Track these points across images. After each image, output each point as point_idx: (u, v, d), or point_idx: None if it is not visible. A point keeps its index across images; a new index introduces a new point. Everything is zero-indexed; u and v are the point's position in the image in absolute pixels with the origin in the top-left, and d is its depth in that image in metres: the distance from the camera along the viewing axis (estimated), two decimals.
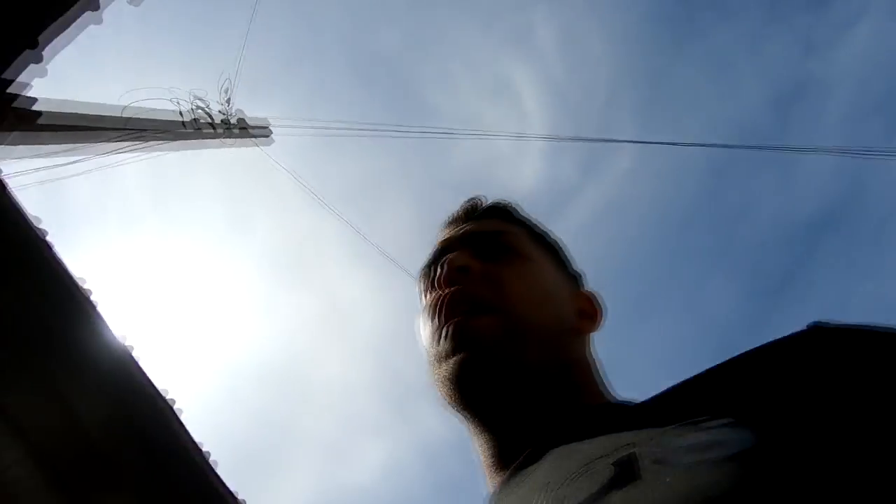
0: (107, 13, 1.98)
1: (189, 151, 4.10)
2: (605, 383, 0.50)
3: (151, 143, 3.30)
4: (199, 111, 3.80)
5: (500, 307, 0.46)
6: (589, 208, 13.13)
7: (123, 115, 2.97)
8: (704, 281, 14.29)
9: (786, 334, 0.31)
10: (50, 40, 1.87)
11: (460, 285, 0.47)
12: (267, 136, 4.65)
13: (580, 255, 0.60)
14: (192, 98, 3.74)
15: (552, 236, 0.59)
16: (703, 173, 14.63)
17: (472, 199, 0.60)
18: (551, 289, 0.52)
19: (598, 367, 0.51)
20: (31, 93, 2.22)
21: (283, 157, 5.18)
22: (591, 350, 0.53)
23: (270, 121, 4.74)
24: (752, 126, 12.74)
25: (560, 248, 0.59)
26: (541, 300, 0.49)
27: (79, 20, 1.92)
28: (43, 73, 2.03)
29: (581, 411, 0.44)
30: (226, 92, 4.15)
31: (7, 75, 1.94)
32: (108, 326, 1.70)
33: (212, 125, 3.92)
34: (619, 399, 0.47)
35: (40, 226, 1.68)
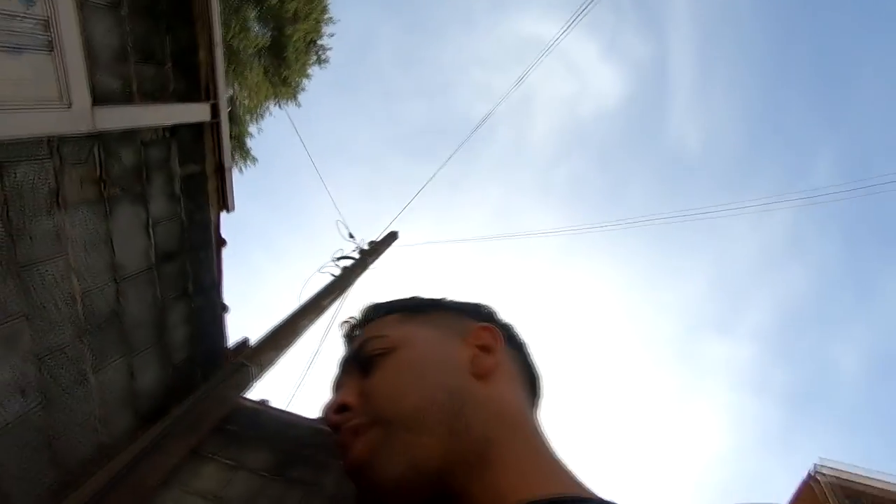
0: None
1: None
2: (544, 444, 0.46)
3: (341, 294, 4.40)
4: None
5: (375, 420, 0.45)
6: None
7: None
8: None
9: None
10: None
11: (342, 422, 0.47)
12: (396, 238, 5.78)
13: None
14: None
15: (427, 298, 0.58)
16: None
17: (344, 321, 0.60)
18: (423, 363, 0.49)
19: (532, 415, 0.49)
20: None
21: None
22: (517, 388, 0.50)
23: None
24: None
25: (438, 302, 0.58)
26: (411, 385, 0.46)
27: None
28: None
29: None
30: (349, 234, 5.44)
31: None
32: None
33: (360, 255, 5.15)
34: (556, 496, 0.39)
35: None
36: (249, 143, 12.50)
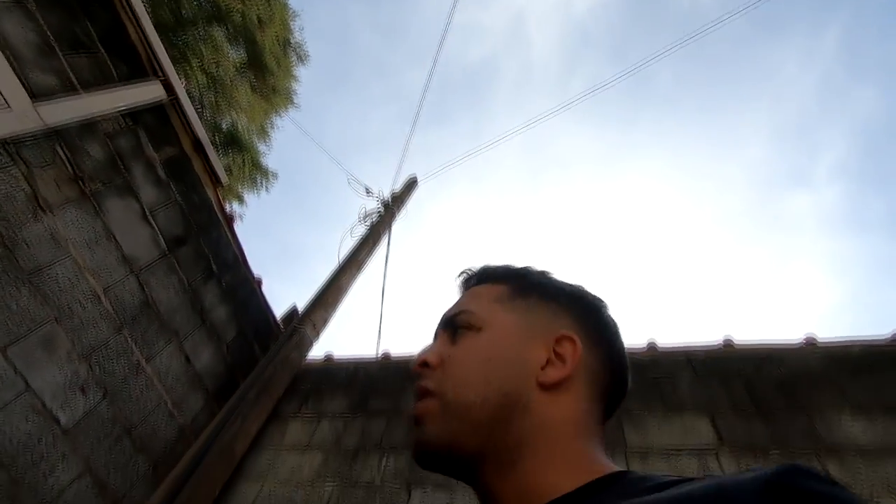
0: None
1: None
2: (590, 444, 0.47)
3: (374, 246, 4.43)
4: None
5: (438, 392, 0.50)
6: None
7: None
8: None
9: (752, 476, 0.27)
10: None
11: (421, 378, 0.53)
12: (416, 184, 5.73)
13: None
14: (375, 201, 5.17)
15: (535, 278, 0.58)
16: None
17: (461, 272, 0.64)
18: (493, 354, 0.51)
19: (576, 427, 0.48)
20: None
21: None
22: (567, 404, 0.49)
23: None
24: None
25: (543, 286, 0.57)
26: (473, 374, 0.50)
27: None
28: None
29: None
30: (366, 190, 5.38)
31: None
32: None
33: (382, 208, 5.09)
34: (597, 477, 0.42)
35: None
36: (265, 161, 12.75)
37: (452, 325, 0.55)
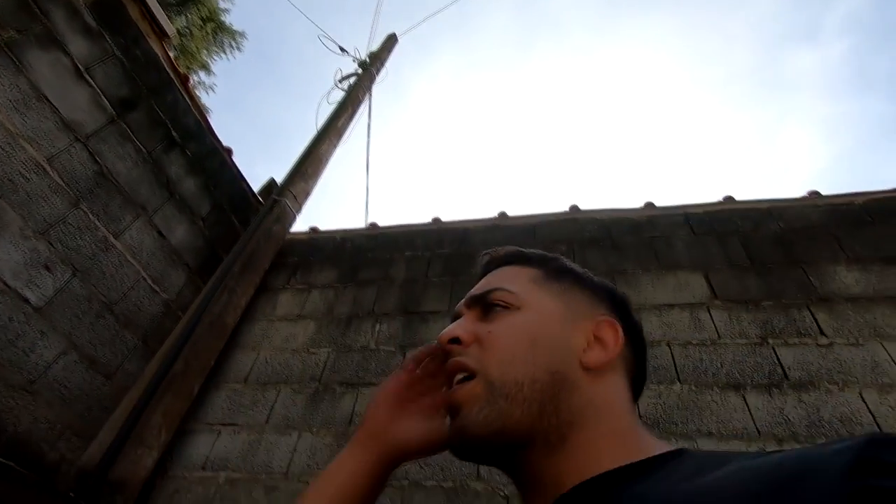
0: None
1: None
2: (637, 423, 0.47)
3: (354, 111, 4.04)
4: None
5: (480, 371, 0.47)
6: None
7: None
8: None
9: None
10: None
11: (453, 355, 0.51)
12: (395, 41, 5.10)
13: None
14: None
15: (568, 266, 0.58)
16: None
17: (486, 253, 0.63)
18: (538, 335, 0.49)
19: (621, 409, 0.47)
20: None
21: None
22: (613, 386, 0.49)
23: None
24: None
25: (583, 277, 0.57)
26: (520, 354, 0.47)
27: None
28: None
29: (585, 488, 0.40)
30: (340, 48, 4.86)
31: None
32: None
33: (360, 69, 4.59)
34: (649, 456, 0.41)
35: None
36: (227, 19, 11.40)
37: (485, 303, 0.53)
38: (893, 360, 1.75)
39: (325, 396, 2.08)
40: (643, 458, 0.40)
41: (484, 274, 0.60)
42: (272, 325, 2.48)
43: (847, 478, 0.23)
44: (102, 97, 2.11)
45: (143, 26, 2.36)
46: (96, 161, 2.05)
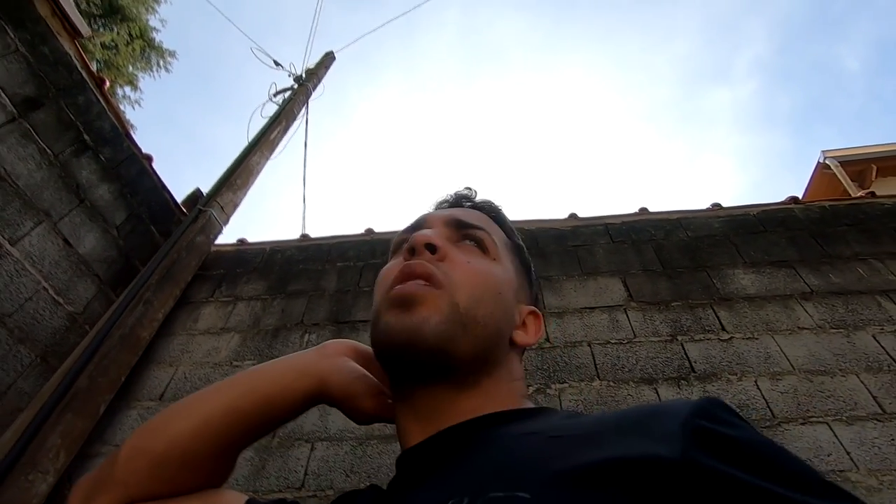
0: None
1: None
2: (525, 393, 0.53)
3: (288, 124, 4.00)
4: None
5: (448, 290, 0.47)
6: None
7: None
8: None
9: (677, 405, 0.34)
10: None
11: (418, 257, 0.49)
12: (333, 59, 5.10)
13: None
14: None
15: (526, 254, 0.62)
16: None
17: (467, 188, 0.64)
18: (503, 291, 0.52)
19: (522, 381, 0.54)
20: None
21: None
22: (520, 363, 0.55)
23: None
24: None
25: (530, 265, 0.62)
26: (488, 298, 0.50)
27: None
28: None
29: (477, 422, 0.45)
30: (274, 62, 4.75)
31: None
32: None
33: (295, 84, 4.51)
34: (531, 406, 0.50)
35: None
36: (157, 37, 10.96)
37: (466, 233, 0.54)
38: (783, 352, 1.93)
39: None
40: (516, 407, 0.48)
41: (456, 204, 0.62)
42: (193, 339, 2.35)
43: (688, 418, 0.31)
44: (2, 94, 1.96)
45: (54, 24, 2.23)
46: None
